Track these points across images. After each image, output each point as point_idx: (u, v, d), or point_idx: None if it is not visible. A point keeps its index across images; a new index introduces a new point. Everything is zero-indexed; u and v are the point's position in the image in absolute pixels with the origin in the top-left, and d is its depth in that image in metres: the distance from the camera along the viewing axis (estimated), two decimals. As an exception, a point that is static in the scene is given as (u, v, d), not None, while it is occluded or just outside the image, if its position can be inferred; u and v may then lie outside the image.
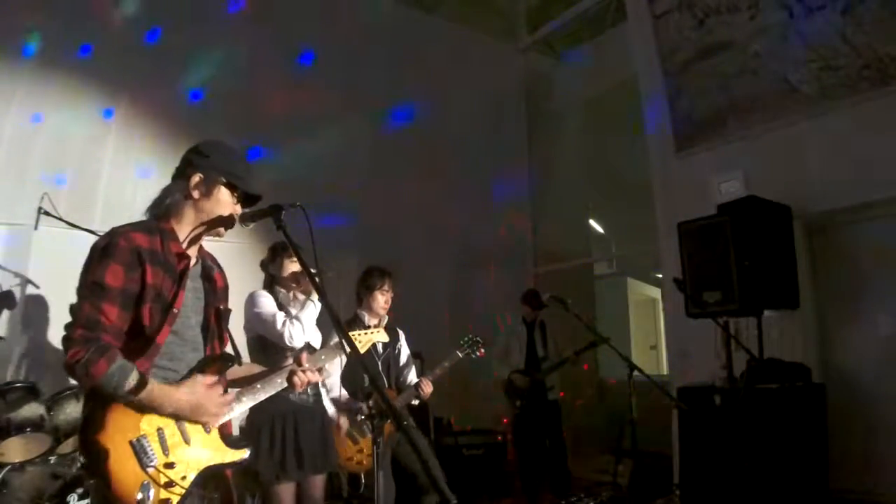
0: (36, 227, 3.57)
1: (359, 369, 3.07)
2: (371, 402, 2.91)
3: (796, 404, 3.48)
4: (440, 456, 4.71)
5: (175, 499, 1.63)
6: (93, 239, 1.73)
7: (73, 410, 3.29)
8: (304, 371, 2.01)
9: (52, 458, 3.23)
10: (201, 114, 4.77)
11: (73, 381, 1.77)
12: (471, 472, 4.97)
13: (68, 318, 1.63)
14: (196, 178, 1.82)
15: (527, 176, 7.29)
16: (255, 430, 2.76)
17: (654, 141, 5.30)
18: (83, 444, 1.63)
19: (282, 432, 2.77)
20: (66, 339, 1.60)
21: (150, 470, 1.60)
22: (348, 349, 1.69)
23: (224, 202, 1.85)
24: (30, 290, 3.95)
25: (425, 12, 6.73)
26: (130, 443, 1.59)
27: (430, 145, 6.26)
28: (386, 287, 3.46)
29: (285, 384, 2.00)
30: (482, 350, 3.56)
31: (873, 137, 3.88)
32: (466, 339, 3.54)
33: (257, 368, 2.07)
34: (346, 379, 3.33)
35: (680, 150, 5.06)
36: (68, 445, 3.27)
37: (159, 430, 1.65)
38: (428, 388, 3.40)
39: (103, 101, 4.56)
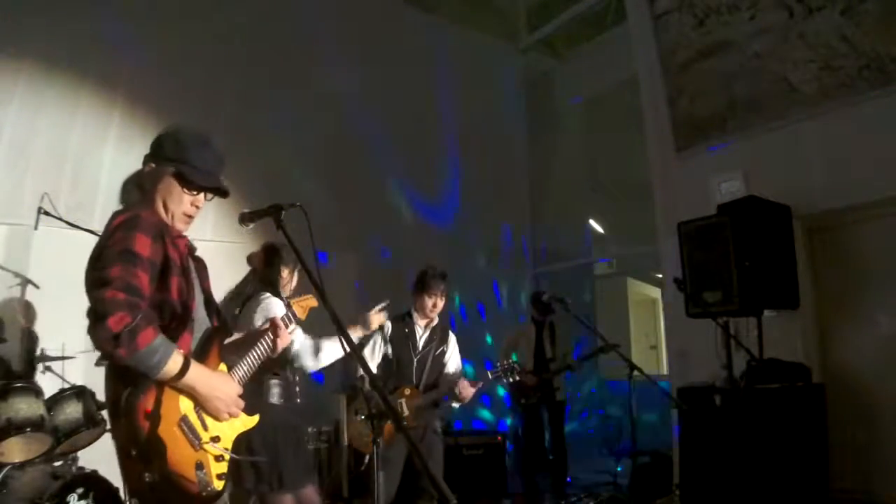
0: (36, 227, 3.55)
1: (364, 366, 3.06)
2: (371, 403, 2.90)
3: (796, 404, 3.49)
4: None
5: (224, 469, 1.68)
6: (93, 239, 1.70)
7: (73, 410, 3.29)
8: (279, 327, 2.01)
9: (53, 458, 3.23)
10: (203, 112, 4.76)
11: (99, 359, 1.58)
12: (471, 472, 4.97)
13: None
14: (148, 168, 1.75)
15: (527, 176, 7.29)
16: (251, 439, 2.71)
17: (654, 141, 5.29)
18: (129, 434, 1.49)
19: (275, 444, 2.72)
20: (101, 303, 1.44)
21: (200, 449, 1.62)
22: (349, 349, 1.69)
23: (176, 194, 1.73)
24: (30, 290, 3.95)
25: (425, 12, 6.72)
26: (178, 425, 1.58)
27: (429, 145, 6.25)
28: (434, 291, 3.34)
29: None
30: (517, 376, 3.43)
31: (873, 137, 3.88)
32: (501, 364, 3.40)
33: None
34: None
35: (680, 150, 5.06)
36: (68, 445, 3.27)
37: (196, 407, 1.65)
38: (467, 392, 3.27)
39: (103, 101, 4.56)
